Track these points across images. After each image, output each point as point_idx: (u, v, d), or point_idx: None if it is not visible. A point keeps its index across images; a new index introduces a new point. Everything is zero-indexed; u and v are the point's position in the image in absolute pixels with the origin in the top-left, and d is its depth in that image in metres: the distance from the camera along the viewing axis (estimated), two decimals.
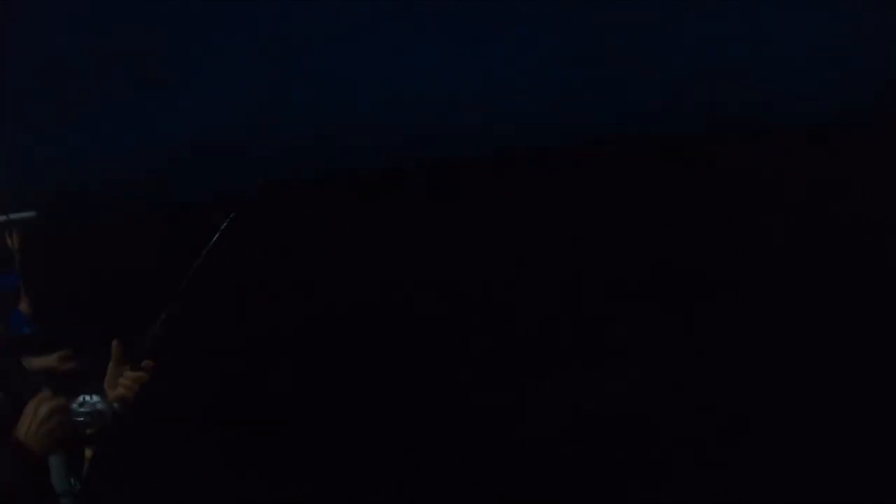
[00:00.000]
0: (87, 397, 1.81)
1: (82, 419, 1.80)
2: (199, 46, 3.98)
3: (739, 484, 3.09)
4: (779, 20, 3.94)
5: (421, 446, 3.60)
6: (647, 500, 3.22)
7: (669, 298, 4.06)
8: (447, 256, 4.33)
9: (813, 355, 3.48)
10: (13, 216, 3.71)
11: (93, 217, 4.18)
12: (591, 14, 4.13)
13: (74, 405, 1.80)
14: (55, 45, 3.76)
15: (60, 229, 4.00)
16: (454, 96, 4.22)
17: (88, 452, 2.20)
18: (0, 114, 3.78)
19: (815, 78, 4.03)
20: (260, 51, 4.09)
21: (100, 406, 1.81)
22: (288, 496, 3.50)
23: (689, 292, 4.08)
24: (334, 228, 4.45)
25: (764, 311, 3.83)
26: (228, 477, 3.53)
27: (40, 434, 1.69)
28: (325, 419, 3.71)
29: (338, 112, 4.29)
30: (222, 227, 2.09)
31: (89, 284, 3.90)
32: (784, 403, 3.37)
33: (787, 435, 3.24)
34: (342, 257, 4.32)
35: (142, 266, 3.99)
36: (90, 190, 4.09)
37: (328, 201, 4.50)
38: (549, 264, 4.28)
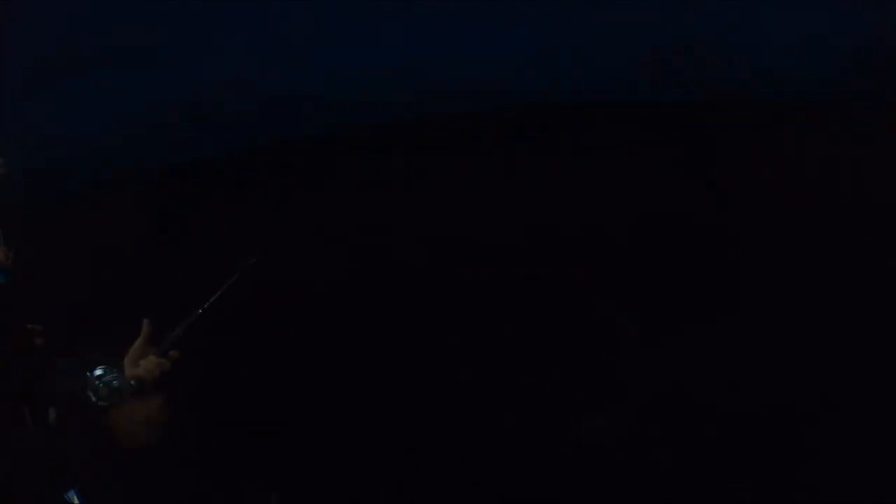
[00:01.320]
0: (106, 370, 1.74)
1: (96, 391, 1.72)
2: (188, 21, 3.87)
3: None
4: None
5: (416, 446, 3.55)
6: None
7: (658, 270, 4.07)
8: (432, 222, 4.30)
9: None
10: None
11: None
12: None
13: (90, 374, 1.73)
14: (52, 37, 3.66)
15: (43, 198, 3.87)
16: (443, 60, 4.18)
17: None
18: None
19: (794, 50, 4.04)
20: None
21: (117, 382, 1.73)
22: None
23: (675, 270, 4.07)
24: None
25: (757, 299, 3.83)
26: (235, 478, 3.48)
27: (135, 434, 1.69)
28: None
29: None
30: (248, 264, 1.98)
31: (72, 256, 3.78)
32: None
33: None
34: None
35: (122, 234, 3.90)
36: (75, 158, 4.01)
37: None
38: (532, 231, 4.27)
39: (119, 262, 3.92)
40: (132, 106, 3.93)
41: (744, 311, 3.80)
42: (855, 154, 4.03)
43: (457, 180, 4.53)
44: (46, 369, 1.83)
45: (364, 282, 4.22)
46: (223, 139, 4.35)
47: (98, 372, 1.73)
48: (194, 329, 1.81)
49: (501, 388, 3.65)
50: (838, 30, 3.92)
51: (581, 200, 4.39)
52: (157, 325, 1.82)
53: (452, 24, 4.37)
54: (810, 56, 4.02)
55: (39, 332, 2.94)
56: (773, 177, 4.19)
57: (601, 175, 4.36)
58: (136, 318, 1.83)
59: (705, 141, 4.45)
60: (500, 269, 4.23)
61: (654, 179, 4.40)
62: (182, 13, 3.72)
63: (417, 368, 3.80)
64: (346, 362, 3.92)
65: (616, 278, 4.14)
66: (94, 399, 1.71)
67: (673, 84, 4.40)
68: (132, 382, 1.75)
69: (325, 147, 4.72)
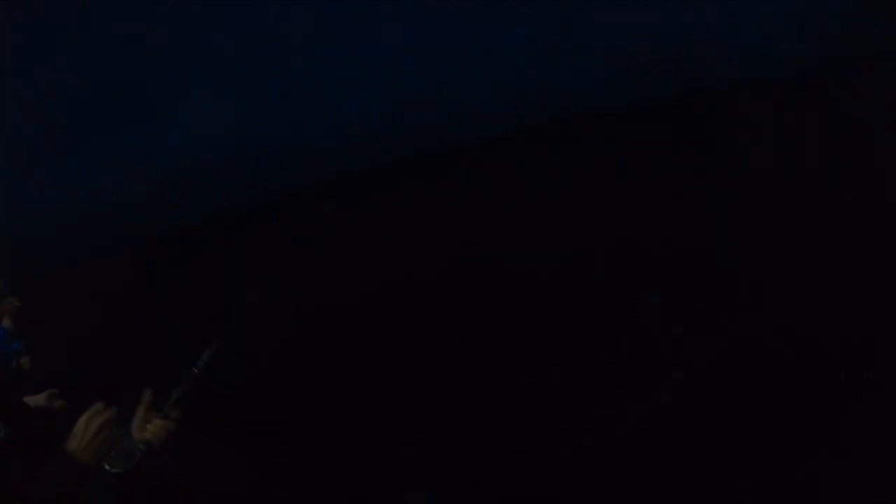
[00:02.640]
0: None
1: (111, 460, 1.79)
2: (179, 76, 3.95)
3: None
4: None
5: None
6: None
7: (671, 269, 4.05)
8: (447, 248, 4.33)
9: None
10: None
11: (86, 249, 4.20)
12: None
13: None
14: (42, 95, 3.76)
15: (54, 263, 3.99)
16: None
17: None
18: None
19: (768, 33, 4.01)
20: (237, 68, 4.05)
21: (127, 446, 1.81)
22: None
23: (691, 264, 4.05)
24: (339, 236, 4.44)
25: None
26: None
27: (91, 448, 1.74)
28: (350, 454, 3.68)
29: (316, 126, 4.27)
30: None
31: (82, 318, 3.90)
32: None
33: None
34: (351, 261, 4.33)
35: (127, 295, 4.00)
36: (85, 222, 4.10)
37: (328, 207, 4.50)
38: (553, 238, 4.27)
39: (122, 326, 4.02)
40: (130, 171, 4.04)
41: (754, 302, 3.77)
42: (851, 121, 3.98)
43: (461, 187, 4.57)
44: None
45: (371, 291, 4.27)
46: (220, 197, 4.43)
47: None
48: (192, 389, 1.92)
49: (505, 387, 3.67)
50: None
51: (593, 202, 4.39)
52: (159, 385, 1.92)
53: (450, 26, 4.40)
54: (801, 30, 3.98)
55: (56, 394, 3.09)
56: (777, 158, 4.15)
57: (603, 176, 4.36)
58: (141, 379, 1.94)
59: (708, 130, 4.41)
60: (508, 271, 4.25)
61: (658, 175, 4.38)
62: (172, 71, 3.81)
63: (425, 370, 3.85)
64: (362, 368, 3.99)
65: (625, 275, 4.13)
66: (108, 468, 1.78)
67: (670, 77, 4.37)
68: (141, 446, 1.83)
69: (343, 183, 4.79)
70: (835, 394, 3.10)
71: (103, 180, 4.06)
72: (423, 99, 4.75)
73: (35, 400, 3.22)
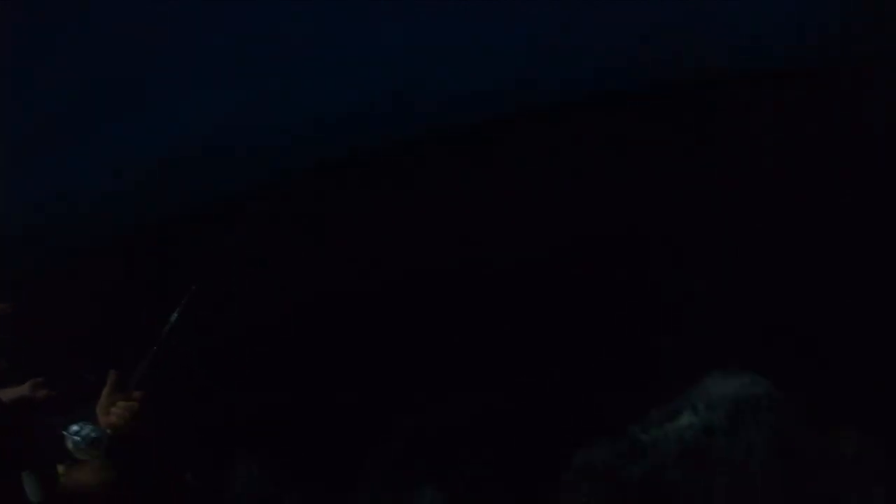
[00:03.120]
0: (81, 425, 1.79)
1: (77, 447, 1.77)
2: (178, 75, 3.96)
3: None
4: None
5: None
6: None
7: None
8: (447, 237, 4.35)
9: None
10: None
11: (76, 240, 4.19)
12: None
13: (68, 433, 1.78)
14: (41, 94, 3.75)
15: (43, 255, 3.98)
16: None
17: (61, 468, 2.17)
18: None
19: (768, 33, 4.02)
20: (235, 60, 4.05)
21: (94, 434, 1.79)
22: None
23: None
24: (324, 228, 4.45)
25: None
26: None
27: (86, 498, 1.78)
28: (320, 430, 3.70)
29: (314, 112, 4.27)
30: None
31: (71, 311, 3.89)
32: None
33: None
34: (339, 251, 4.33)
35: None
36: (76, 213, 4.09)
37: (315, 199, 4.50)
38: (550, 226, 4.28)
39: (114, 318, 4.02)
40: (134, 156, 4.05)
41: (753, 300, 3.78)
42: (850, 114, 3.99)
43: (461, 186, 4.58)
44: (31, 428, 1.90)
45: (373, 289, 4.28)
46: (219, 196, 4.45)
47: (74, 428, 1.78)
48: (156, 366, 1.88)
49: (505, 387, 3.68)
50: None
51: (593, 200, 4.40)
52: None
53: (449, 23, 4.42)
54: (801, 30, 4.00)
55: (40, 383, 3.04)
56: (777, 158, 4.15)
57: (603, 175, 4.37)
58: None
59: (707, 129, 4.42)
60: (508, 270, 4.25)
61: (658, 174, 4.39)
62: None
63: (424, 370, 3.86)
64: (361, 367, 4.00)
65: (625, 273, 4.14)
66: (77, 456, 1.78)
67: (670, 75, 4.38)
68: (108, 430, 1.81)
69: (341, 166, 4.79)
70: (834, 393, 3.11)
71: (102, 179, 4.07)
72: (423, 99, 4.76)
73: (18, 391, 3.15)
